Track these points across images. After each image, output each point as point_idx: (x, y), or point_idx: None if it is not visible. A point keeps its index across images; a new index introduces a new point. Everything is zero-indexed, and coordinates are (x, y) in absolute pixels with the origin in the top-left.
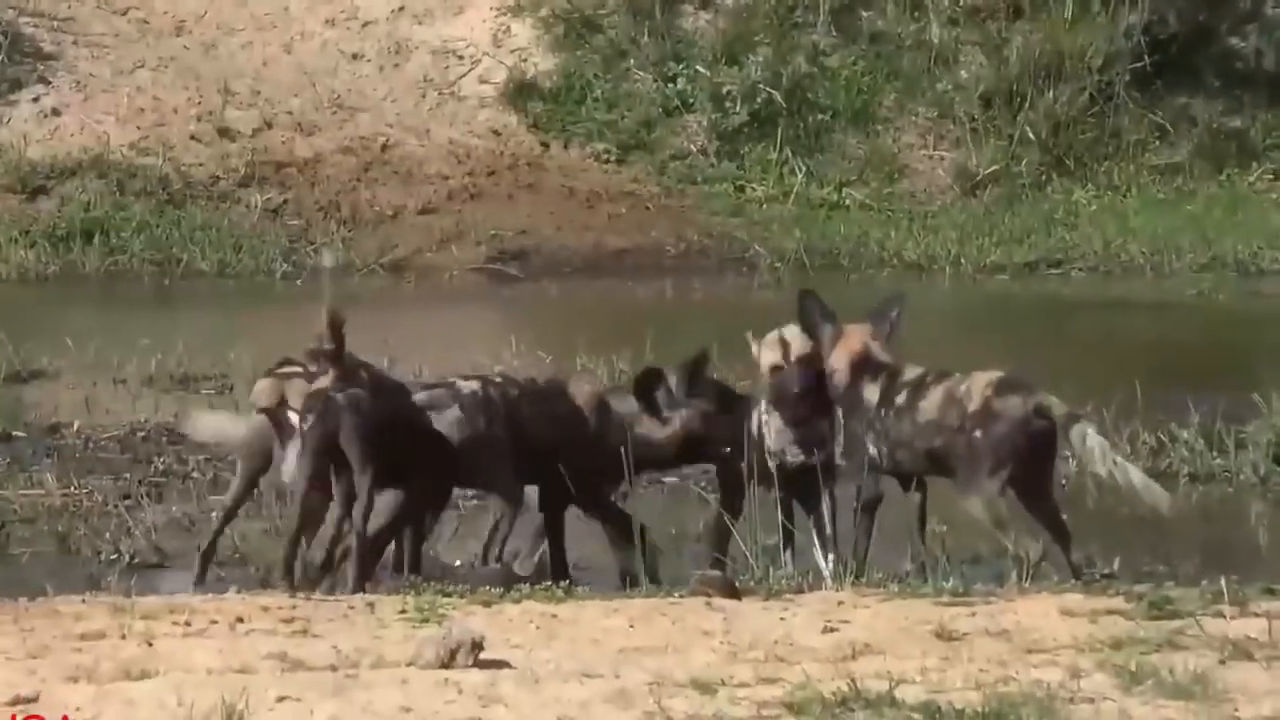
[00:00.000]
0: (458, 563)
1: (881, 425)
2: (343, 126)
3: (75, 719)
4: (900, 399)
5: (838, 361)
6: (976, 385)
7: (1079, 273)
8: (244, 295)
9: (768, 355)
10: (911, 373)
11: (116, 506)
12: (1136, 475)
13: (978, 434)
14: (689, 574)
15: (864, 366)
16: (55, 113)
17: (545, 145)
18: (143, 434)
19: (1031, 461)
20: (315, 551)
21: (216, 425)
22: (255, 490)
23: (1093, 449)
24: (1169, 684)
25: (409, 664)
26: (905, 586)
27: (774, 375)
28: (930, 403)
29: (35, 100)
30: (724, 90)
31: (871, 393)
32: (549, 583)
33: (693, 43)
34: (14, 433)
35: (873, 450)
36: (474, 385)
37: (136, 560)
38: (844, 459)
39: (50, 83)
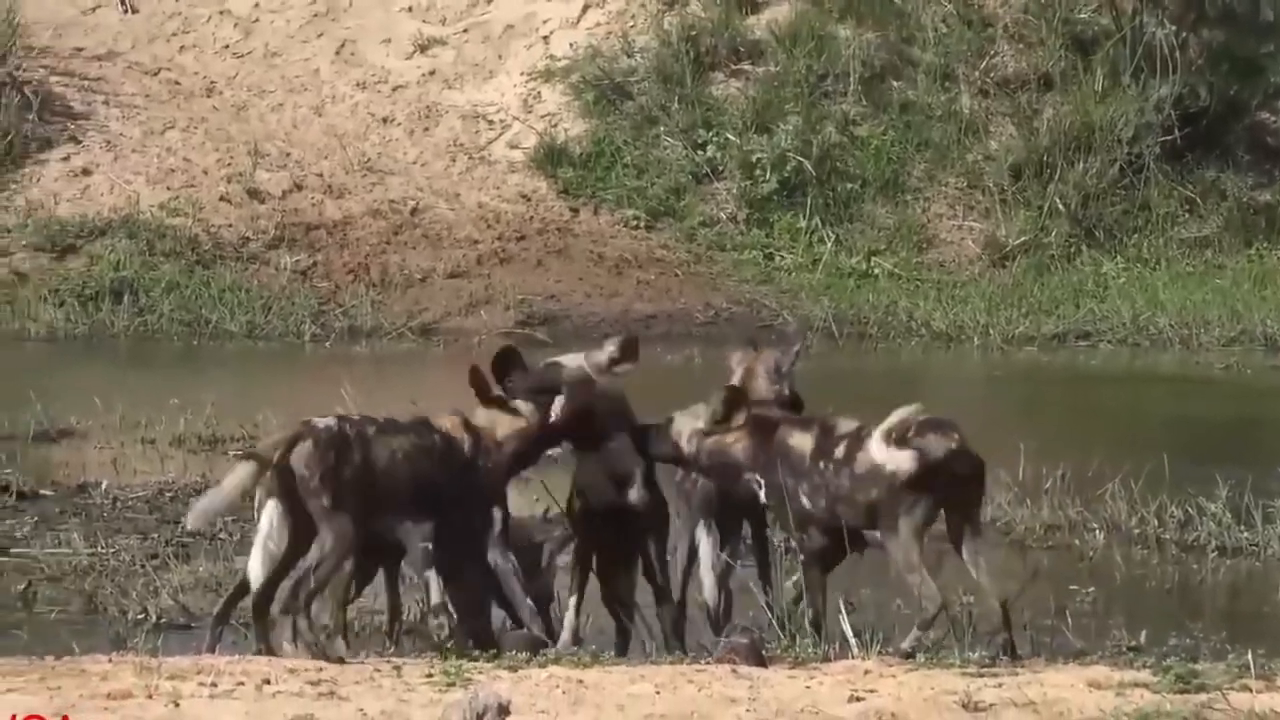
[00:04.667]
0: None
1: (820, 479)
2: (372, 189)
3: None
4: (838, 452)
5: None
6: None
7: (1107, 345)
8: (272, 357)
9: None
10: (847, 425)
11: (143, 566)
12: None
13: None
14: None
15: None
16: (85, 172)
17: (574, 210)
18: (170, 494)
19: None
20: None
21: (209, 507)
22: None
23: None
24: None
25: None
26: (931, 656)
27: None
28: (867, 455)
29: (66, 159)
30: (754, 158)
31: (803, 443)
32: (575, 648)
33: (723, 110)
34: (42, 491)
35: (807, 503)
36: None
37: (163, 620)
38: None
39: (81, 142)
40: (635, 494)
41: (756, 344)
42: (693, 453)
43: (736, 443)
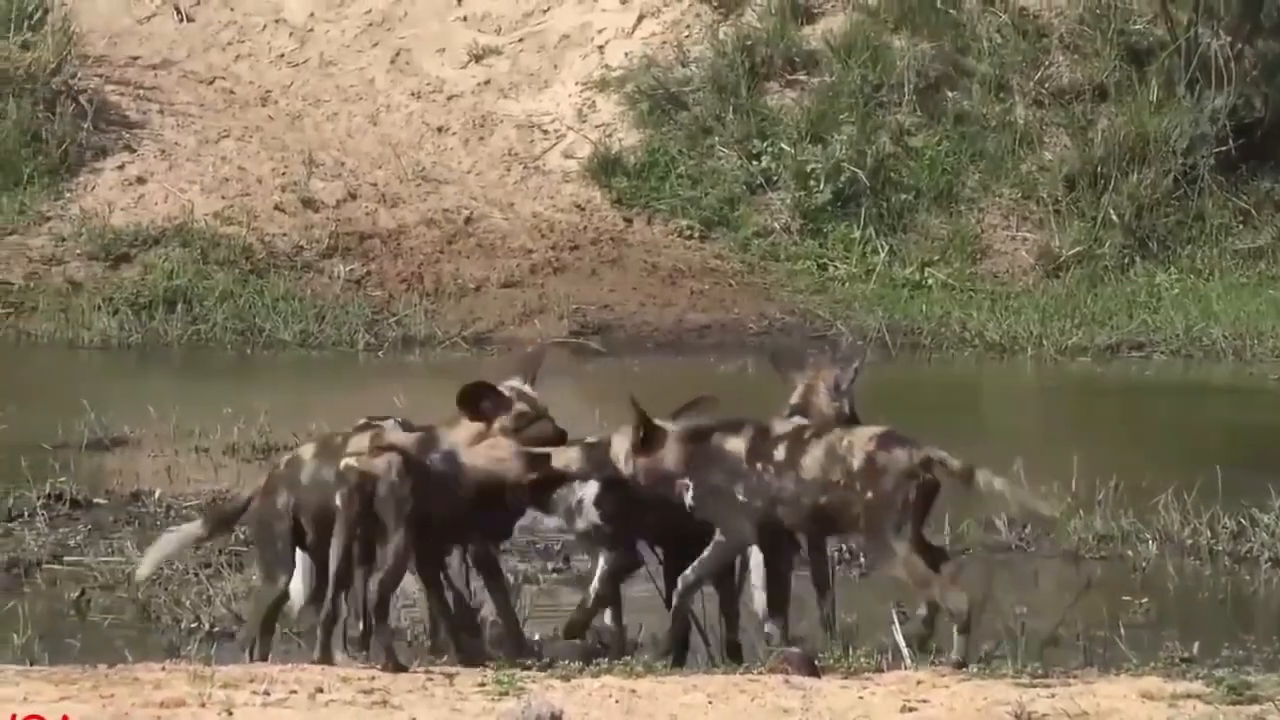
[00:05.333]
0: (537, 635)
1: (758, 481)
2: (427, 199)
3: None
4: (778, 454)
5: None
6: (859, 440)
7: (1160, 356)
8: (326, 366)
9: None
10: (783, 427)
11: (197, 575)
12: (1043, 504)
13: (869, 494)
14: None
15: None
16: (140, 181)
17: (629, 220)
18: (224, 503)
19: (917, 515)
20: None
21: (159, 554)
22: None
23: (1002, 492)
24: None
25: None
26: (984, 667)
27: None
28: (813, 459)
29: (120, 168)
30: (808, 168)
31: (736, 445)
32: (628, 658)
33: (777, 120)
34: (95, 500)
35: (742, 496)
36: None
37: (216, 629)
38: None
39: (135, 151)
40: (583, 521)
41: (778, 358)
42: (631, 473)
43: (667, 454)
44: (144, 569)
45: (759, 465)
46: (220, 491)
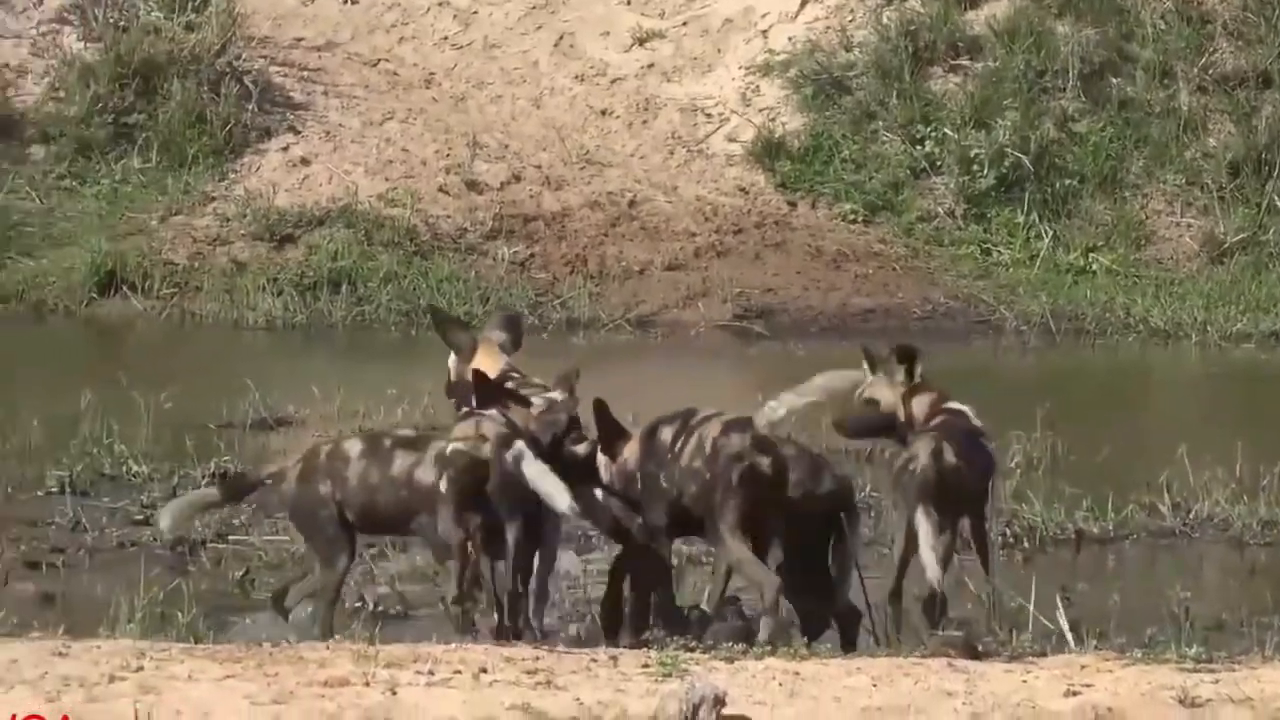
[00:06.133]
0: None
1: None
2: (590, 182)
3: None
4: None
5: None
6: (711, 428)
7: None
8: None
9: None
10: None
11: (361, 555)
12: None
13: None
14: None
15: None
16: (304, 162)
17: (792, 204)
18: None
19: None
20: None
21: (176, 511)
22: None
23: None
24: None
25: (651, 718)
26: (1148, 652)
27: None
28: (688, 449)
29: (285, 149)
30: (972, 153)
31: (666, 435)
32: (791, 641)
33: (941, 105)
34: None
35: (664, 484)
36: None
37: (380, 608)
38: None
39: (300, 132)
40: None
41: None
42: (610, 480)
43: (630, 455)
44: (164, 522)
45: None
46: None
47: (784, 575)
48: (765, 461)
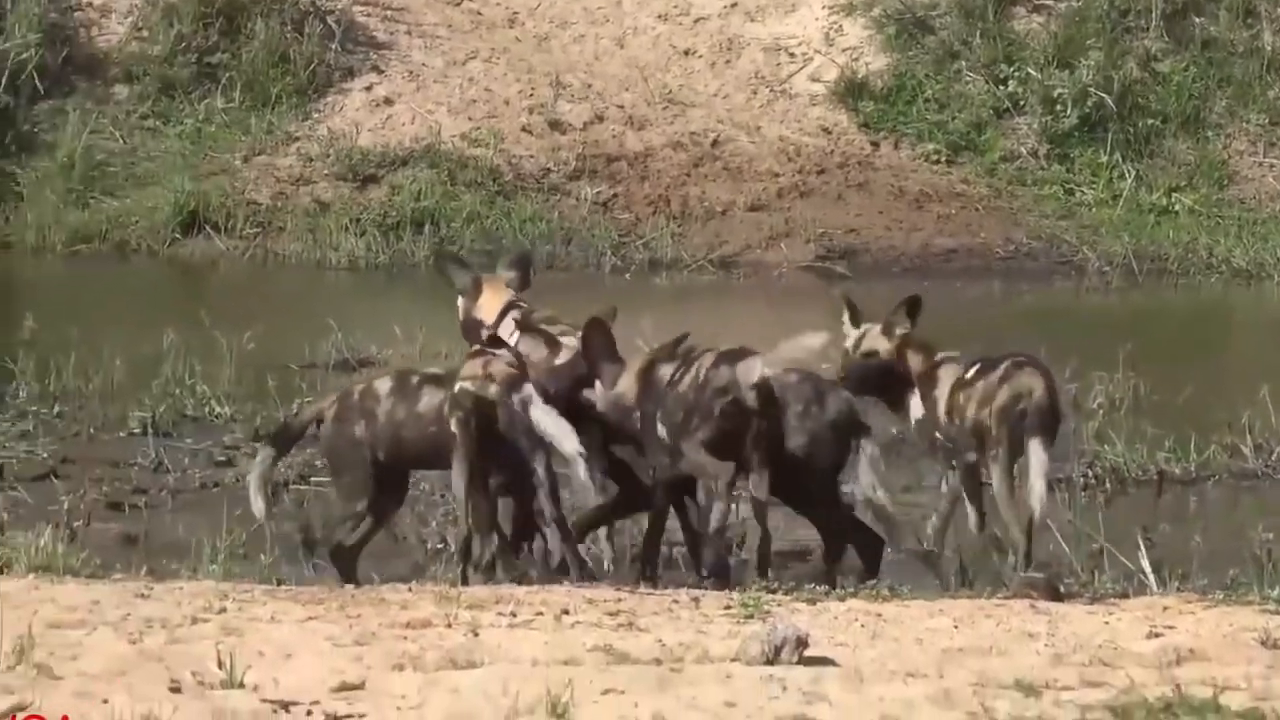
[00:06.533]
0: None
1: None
2: (674, 121)
3: (400, 706)
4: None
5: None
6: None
7: None
8: (572, 288)
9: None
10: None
11: (443, 496)
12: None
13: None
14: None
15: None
16: (388, 102)
17: (875, 144)
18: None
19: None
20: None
21: (258, 491)
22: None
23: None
24: None
25: (733, 659)
26: (1230, 593)
27: None
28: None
29: (368, 89)
30: (1055, 93)
31: (665, 373)
32: (874, 582)
33: (1024, 45)
34: None
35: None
36: None
37: None
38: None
39: (383, 72)
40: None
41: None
42: (603, 413)
43: (628, 391)
44: (258, 507)
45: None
46: None
47: (806, 509)
48: (751, 396)
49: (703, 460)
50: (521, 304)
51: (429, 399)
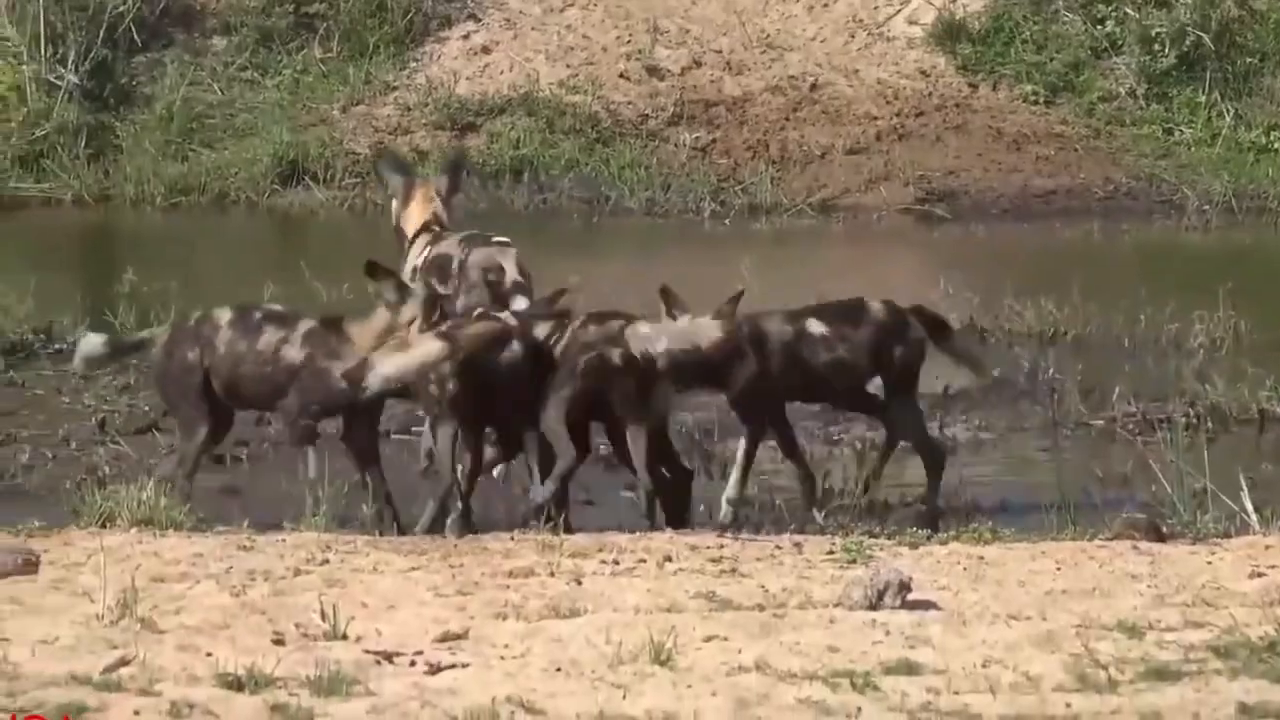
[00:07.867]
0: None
1: None
2: (771, 66)
3: (504, 655)
4: None
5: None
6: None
7: None
8: (671, 234)
9: None
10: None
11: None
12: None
13: None
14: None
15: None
16: (485, 50)
17: (973, 86)
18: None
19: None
20: None
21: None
22: None
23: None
24: None
25: (836, 604)
26: None
27: None
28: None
29: (465, 38)
30: (1153, 33)
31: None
32: (975, 525)
33: None
34: None
35: None
36: None
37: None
38: None
39: (480, 20)
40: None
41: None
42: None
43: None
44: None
45: None
46: None
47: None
48: (616, 353)
49: (557, 434)
50: (441, 223)
51: (269, 336)
